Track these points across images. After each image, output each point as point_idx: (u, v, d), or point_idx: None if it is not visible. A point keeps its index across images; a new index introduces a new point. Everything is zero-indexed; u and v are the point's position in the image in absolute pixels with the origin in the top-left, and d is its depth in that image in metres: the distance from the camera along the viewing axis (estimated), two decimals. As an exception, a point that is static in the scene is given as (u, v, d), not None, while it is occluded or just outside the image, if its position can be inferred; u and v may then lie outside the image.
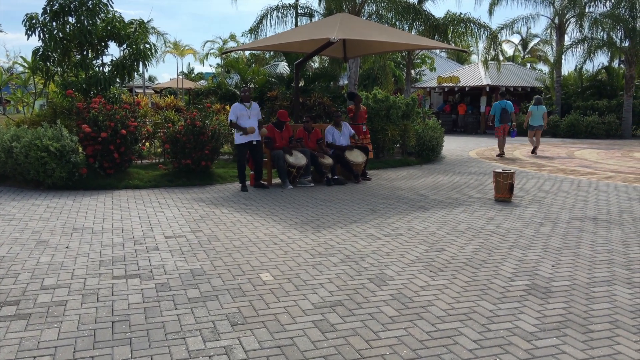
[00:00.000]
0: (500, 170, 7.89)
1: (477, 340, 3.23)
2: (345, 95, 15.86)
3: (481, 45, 22.03)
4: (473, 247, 5.31)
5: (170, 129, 9.31)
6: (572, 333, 3.34)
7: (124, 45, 10.83)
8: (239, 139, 8.64)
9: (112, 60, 10.87)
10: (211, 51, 50.85)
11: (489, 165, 12.31)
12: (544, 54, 41.07)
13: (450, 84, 27.13)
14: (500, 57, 22.36)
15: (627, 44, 21.77)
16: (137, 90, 29.06)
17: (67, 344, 3.12)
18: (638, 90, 23.30)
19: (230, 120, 8.64)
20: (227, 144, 11.40)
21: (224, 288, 4.07)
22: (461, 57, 38.24)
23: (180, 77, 41.87)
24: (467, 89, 27.27)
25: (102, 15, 10.52)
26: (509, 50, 48.21)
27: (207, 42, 61.93)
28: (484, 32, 18.67)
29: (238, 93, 16.91)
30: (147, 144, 11.50)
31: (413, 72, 26.54)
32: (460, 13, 18.59)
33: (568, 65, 53.05)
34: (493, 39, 19.38)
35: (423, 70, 30.63)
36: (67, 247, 5.17)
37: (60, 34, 10.18)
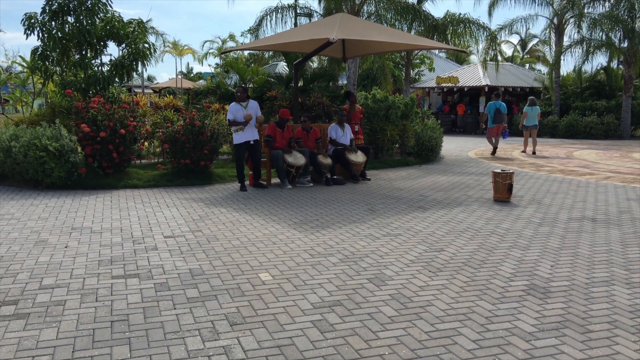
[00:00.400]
0: (499, 171, 7.89)
1: (476, 340, 3.23)
2: (342, 94, 15.88)
3: (480, 46, 22.09)
4: (472, 247, 5.31)
5: (169, 129, 9.31)
6: (571, 333, 3.34)
7: (123, 45, 10.82)
8: (237, 138, 8.65)
9: (111, 60, 10.87)
10: (210, 51, 50.89)
11: (487, 166, 12.32)
12: (543, 55, 41.06)
13: (449, 84, 27.14)
14: (499, 58, 22.37)
15: (625, 45, 21.80)
16: (136, 90, 29.05)
17: (66, 343, 3.12)
18: (637, 90, 23.34)
19: (228, 120, 8.69)
20: (226, 143, 11.40)
21: (223, 288, 4.07)
22: (460, 57, 38.27)
23: (179, 76, 41.86)
24: (466, 89, 27.29)
25: (101, 14, 10.51)
26: (508, 50, 48.29)
27: (206, 41, 61.96)
28: (483, 33, 18.70)
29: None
30: (146, 143, 11.49)
31: (412, 72, 26.55)
32: (460, 13, 18.62)
33: (567, 66, 53.07)
34: (492, 39, 19.40)
35: (422, 71, 30.65)
36: (66, 247, 5.17)
37: (59, 33, 10.17)
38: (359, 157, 9.72)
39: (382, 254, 5.04)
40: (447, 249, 5.26)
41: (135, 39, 10.68)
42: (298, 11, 17.58)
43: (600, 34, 21.88)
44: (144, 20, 11.31)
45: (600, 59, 50.75)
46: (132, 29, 10.76)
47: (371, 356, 3.02)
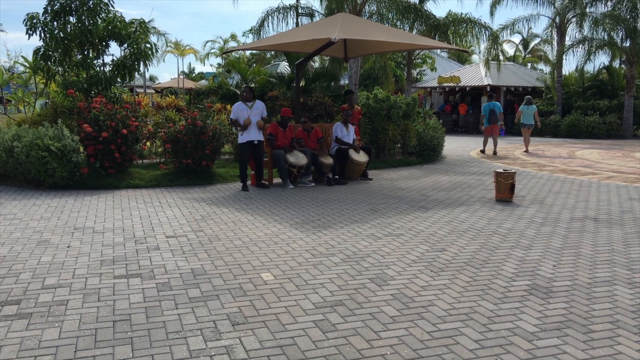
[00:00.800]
0: (501, 170, 7.88)
1: (478, 340, 3.23)
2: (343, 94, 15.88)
3: (482, 45, 22.07)
4: (474, 247, 5.31)
5: (171, 129, 9.32)
6: (573, 333, 3.34)
7: (125, 45, 10.82)
8: (242, 138, 8.67)
9: (113, 60, 10.87)
10: (212, 51, 50.90)
11: (489, 165, 12.30)
12: (545, 54, 41.08)
13: (451, 84, 27.12)
14: (501, 57, 22.37)
15: (627, 44, 21.76)
16: (138, 90, 29.07)
17: (69, 343, 3.12)
18: (639, 90, 23.28)
19: (231, 119, 8.72)
20: (227, 143, 11.41)
21: (225, 288, 4.08)
22: (462, 57, 38.24)
23: (181, 76, 41.90)
24: (468, 88, 27.27)
25: (103, 15, 10.52)
26: (510, 50, 48.26)
27: (207, 41, 62.02)
28: (485, 32, 18.68)
29: (239, 93, 16.94)
30: (148, 143, 11.51)
31: (414, 72, 26.54)
32: (462, 13, 18.60)
33: (569, 65, 53.15)
34: (494, 39, 19.38)
35: (424, 70, 30.64)
36: (68, 247, 5.17)
37: (61, 33, 10.18)
38: (361, 157, 9.73)
39: (384, 254, 5.04)
40: (449, 248, 5.26)
41: (137, 39, 10.68)
42: (300, 11, 17.59)
43: (602, 33, 21.86)
44: (146, 20, 11.31)
45: (602, 59, 50.67)
46: (134, 29, 10.77)
47: (373, 356, 3.01)
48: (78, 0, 10.22)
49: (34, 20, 10.20)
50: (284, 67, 25.56)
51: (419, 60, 27.51)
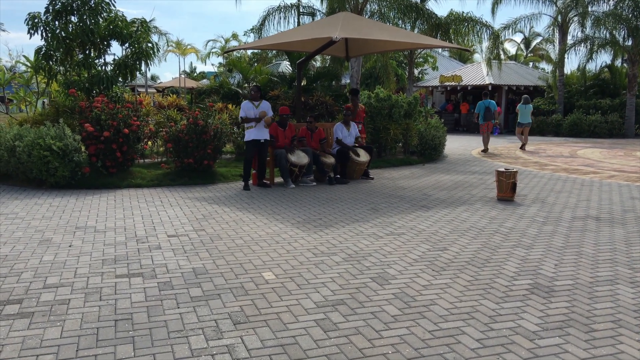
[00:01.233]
0: (502, 170, 7.88)
1: (480, 339, 3.23)
2: (347, 93, 15.87)
3: (484, 44, 22.03)
4: (475, 246, 5.30)
5: (173, 128, 9.32)
6: (575, 332, 3.33)
7: (126, 45, 10.82)
8: (249, 136, 8.69)
9: (114, 60, 10.87)
10: (213, 50, 50.87)
11: (491, 164, 12.29)
12: (547, 53, 40.99)
13: (453, 83, 27.08)
14: (503, 56, 22.35)
15: (630, 43, 21.71)
16: (139, 90, 29.09)
17: (70, 342, 3.13)
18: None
19: (241, 117, 8.76)
20: (229, 143, 11.40)
21: (227, 287, 4.08)
22: (463, 56, 38.18)
23: (183, 76, 41.94)
24: (469, 87, 27.22)
25: (105, 14, 10.52)
26: (511, 49, 48.16)
27: (209, 41, 62.09)
28: (487, 31, 18.66)
29: (240, 92, 16.94)
30: (149, 143, 11.51)
31: (415, 71, 26.51)
32: (463, 12, 18.61)
33: (571, 64, 53.31)
34: (495, 38, 19.36)
35: (425, 69, 30.58)
36: (70, 246, 5.18)
37: (62, 33, 10.18)
38: (362, 157, 9.72)
39: (386, 253, 5.03)
40: (450, 247, 5.25)
41: (139, 38, 10.68)
42: (301, 10, 17.58)
43: (604, 32, 21.82)
44: (147, 20, 11.32)
45: (604, 57, 50.51)
46: (135, 29, 10.77)
47: (374, 355, 3.01)
48: (79, 0, 10.22)
49: (36, 20, 10.20)
50: (285, 66, 25.53)
51: (421, 60, 27.47)
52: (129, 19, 10.89)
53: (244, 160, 8.97)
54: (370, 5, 16.83)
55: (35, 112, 14.15)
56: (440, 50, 30.97)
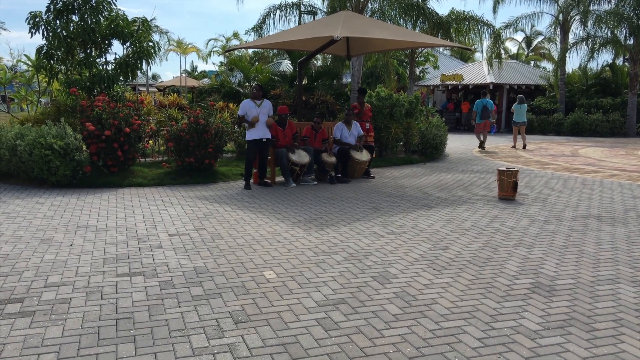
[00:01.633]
0: (504, 169, 7.87)
1: (481, 338, 3.22)
2: (348, 92, 15.87)
3: (485, 43, 22.01)
4: (477, 245, 5.30)
5: (174, 127, 9.32)
6: (576, 331, 3.33)
7: (128, 44, 10.82)
8: (250, 135, 8.68)
9: (115, 59, 10.87)
10: (214, 49, 50.86)
11: (492, 164, 12.28)
12: (548, 52, 40.92)
13: (454, 82, 27.07)
14: (504, 55, 22.34)
15: (631, 42, 21.69)
16: (140, 89, 29.09)
17: (72, 341, 3.13)
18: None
19: (238, 115, 8.76)
20: (230, 142, 11.40)
21: (228, 286, 4.08)
22: (465, 55, 38.15)
23: (184, 75, 41.91)
24: (470, 86, 27.21)
25: (106, 13, 10.51)
26: (513, 47, 48.13)
27: (210, 40, 62.14)
28: (488, 30, 18.64)
29: (241, 91, 16.93)
30: (150, 142, 11.51)
31: (416, 70, 26.48)
32: (464, 11, 18.59)
33: (572, 63, 53.31)
34: (496, 37, 19.34)
35: (426, 68, 30.54)
36: (71, 245, 5.19)
37: (63, 32, 10.18)
38: (363, 156, 9.72)
39: (387, 252, 5.03)
40: (451, 247, 5.25)
41: (140, 37, 10.68)
42: (302, 9, 17.56)
43: (606, 31, 21.80)
44: (148, 19, 11.31)
45: (605, 56, 50.56)
46: (136, 28, 10.77)
47: (376, 354, 3.01)
48: (80, -1, 10.23)
49: (37, 19, 10.20)
50: (286, 65, 25.52)
51: (422, 58, 27.42)
52: (130, 18, 10.89)
53: (245, 160, 8.97)
54: (371, 4, 16.80)
55: (36, 111, 14.17)
56: (441, 49, 30.95)
